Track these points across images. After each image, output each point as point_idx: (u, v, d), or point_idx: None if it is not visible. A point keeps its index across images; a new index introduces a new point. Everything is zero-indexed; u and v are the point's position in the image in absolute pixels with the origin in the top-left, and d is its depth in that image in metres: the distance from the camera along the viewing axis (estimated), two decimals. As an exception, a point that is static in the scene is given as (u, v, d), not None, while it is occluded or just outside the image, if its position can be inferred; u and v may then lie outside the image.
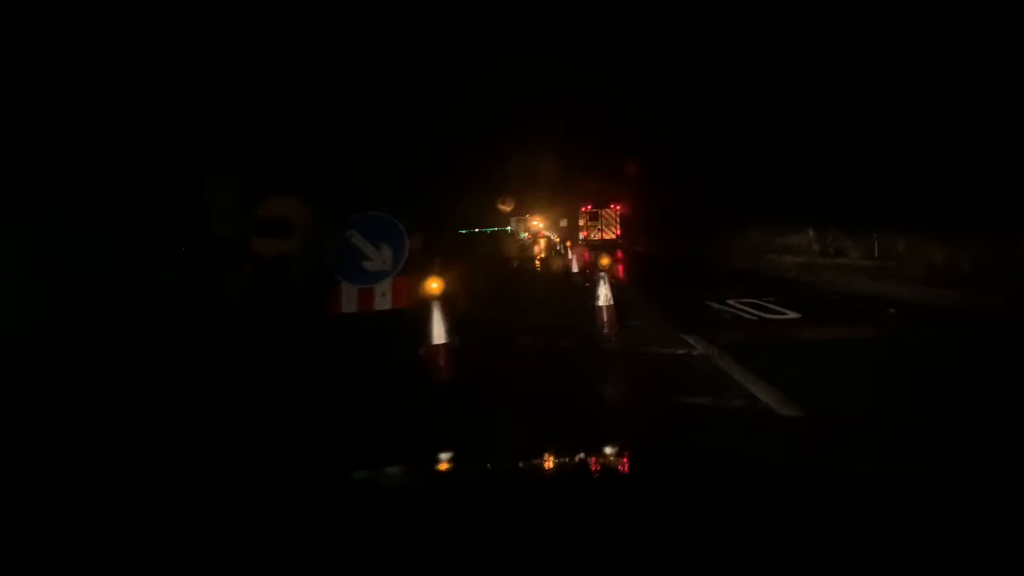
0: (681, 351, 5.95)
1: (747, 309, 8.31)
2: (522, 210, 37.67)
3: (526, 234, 32.88)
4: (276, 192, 8.36)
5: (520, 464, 1.64)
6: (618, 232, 29.52)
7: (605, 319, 6.55)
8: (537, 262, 23.14)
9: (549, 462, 1.64)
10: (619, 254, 24.81)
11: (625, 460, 1.60)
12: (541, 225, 35.22)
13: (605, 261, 7.07)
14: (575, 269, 15.24)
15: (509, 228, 35.48)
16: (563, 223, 33.92)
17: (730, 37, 20.72)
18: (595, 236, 29.13)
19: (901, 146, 15.19)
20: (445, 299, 5.21)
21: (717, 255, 18.98)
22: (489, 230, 34.20)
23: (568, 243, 24.49)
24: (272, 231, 8.26)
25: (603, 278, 6.68)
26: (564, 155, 33.44)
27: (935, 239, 12.98)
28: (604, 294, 6.60)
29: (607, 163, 31.69)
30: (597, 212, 29.51)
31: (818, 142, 18.30)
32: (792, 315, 7.75)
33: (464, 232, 31.86)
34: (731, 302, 8.93)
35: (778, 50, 19.10)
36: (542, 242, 28.92)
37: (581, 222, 30.20)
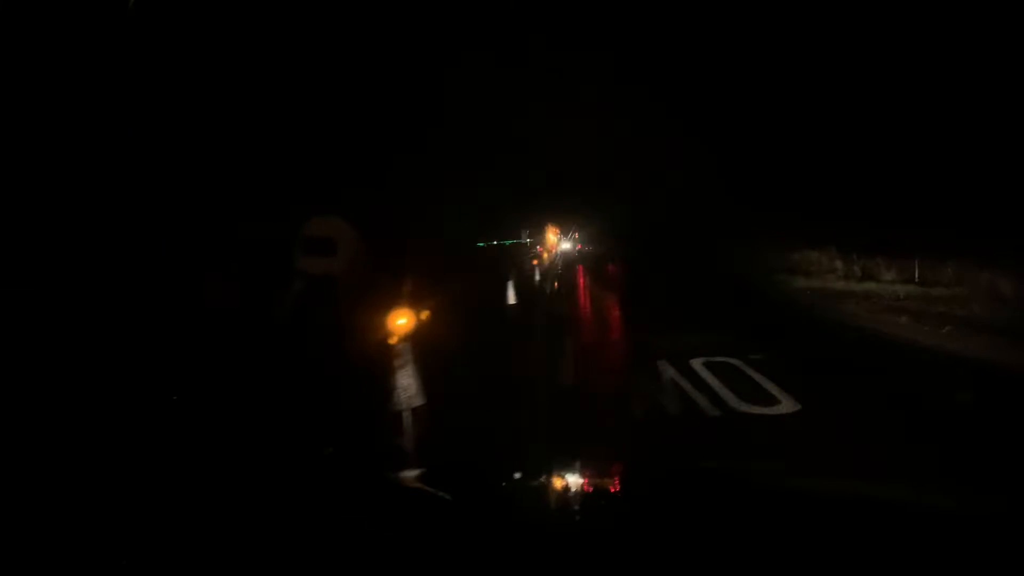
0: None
1: (713, 384, 4.99)
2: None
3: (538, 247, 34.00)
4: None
5: None
6: (579, 247, 32.61)
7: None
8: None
9: None
10: (609, 268, 22.18)
11: None
12: (555, 238, 36.98)
13: None
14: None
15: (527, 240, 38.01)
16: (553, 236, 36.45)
17: (747, 27, 19.39)
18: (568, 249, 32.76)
19: (954, 144, 12.01)
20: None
21: (716, 269, 15.59)
22: (509, 242, 36.78)
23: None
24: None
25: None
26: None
27: (1000, 263, 9.57)
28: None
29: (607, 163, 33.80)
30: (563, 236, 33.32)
31: (844, 139, 15.52)
32: (785, 408, 4.38)
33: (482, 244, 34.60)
34: (696, 364, 5.64)
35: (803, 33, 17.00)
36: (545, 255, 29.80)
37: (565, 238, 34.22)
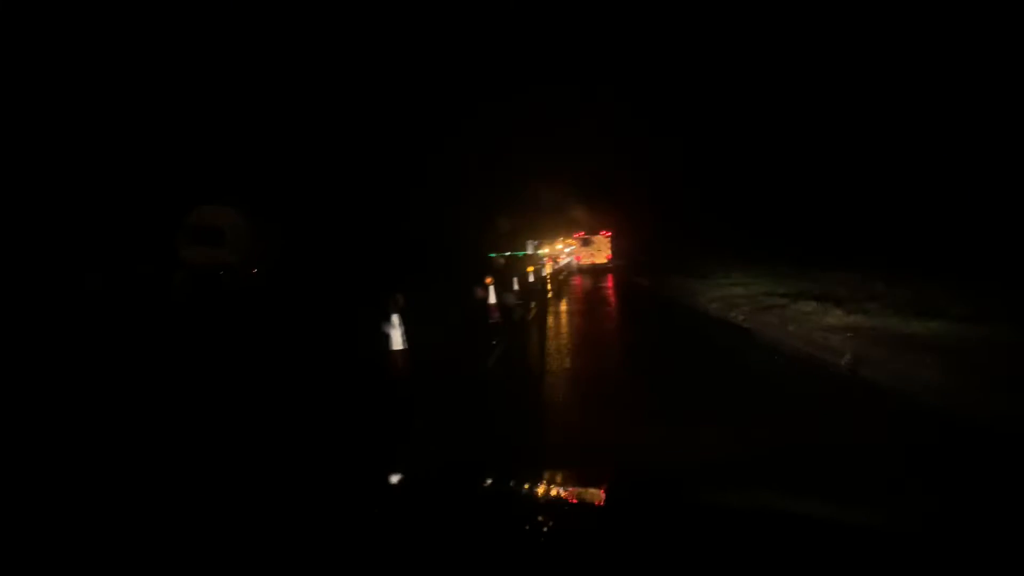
0: None
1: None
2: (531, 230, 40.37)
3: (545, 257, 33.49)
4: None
5: None
6: (608, 256, 29.38)
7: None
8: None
9: None
10: (609, 280, 21.91)
11: None
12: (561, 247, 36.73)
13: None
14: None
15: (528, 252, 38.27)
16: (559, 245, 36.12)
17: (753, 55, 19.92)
18: (587, 261, 29.52)
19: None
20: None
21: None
22: (521, 253, 38.21)
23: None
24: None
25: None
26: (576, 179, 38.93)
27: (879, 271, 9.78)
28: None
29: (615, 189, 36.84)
30: (589, 238, 29.86)
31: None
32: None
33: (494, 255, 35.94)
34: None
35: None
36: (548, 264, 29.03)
37: (574, 246, 31.38)
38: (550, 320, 11.01)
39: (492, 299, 10.40)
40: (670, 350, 7.20)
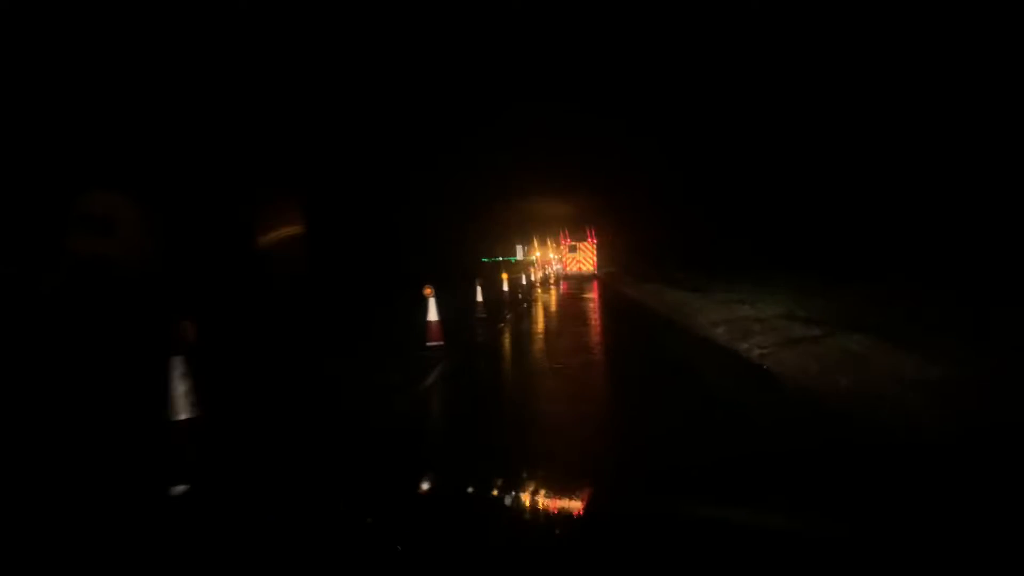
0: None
1: None
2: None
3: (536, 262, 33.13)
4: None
5: None
6: (595, 264, 29.12)
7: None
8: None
9: None
10: (594, 290, 19.75)
11: None
12: (552, 255, 35.76)
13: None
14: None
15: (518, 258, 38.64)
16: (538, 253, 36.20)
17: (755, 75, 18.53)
18: (573, 268, 29.36)
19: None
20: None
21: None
22: (514, 259, 37.63)
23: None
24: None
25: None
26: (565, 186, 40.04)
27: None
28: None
29: (608, 194, 36.20)
30: (575, 245, 29.69)
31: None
32: None
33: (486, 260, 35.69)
34: None
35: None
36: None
37: (561, 253, 31.21)
38: (505, 345, 8.65)
39: (432, 315, 7.94)
40: (665, 412, 4.59)
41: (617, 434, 4.10)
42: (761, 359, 6.24)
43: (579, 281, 25.52)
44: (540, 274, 26.33)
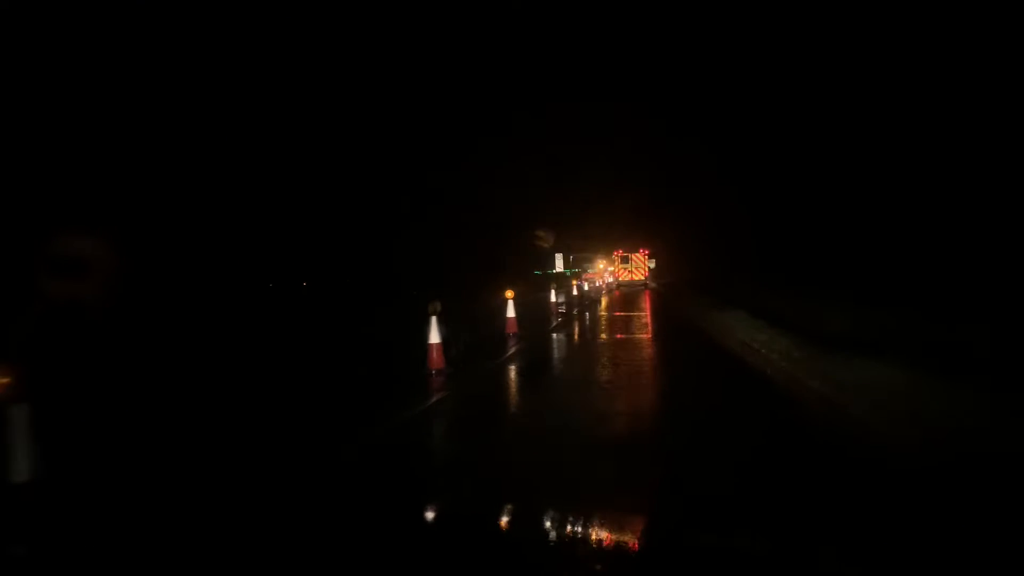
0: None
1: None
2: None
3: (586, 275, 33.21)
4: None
5: None
6: (645, 274, 30.99)
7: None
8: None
9: None
10: (647, 310, 17.88)
11: None
12: (603, 266, 36.00)
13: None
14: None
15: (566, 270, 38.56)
16: (601, 264, 36.85)
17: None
18: (625, 277, 31.05)
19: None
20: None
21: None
22: (569, 271, 37.94)
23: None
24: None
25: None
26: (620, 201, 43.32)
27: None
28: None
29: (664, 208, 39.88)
30: (628, 256, 31.26)
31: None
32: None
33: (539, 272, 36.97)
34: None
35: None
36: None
37: (614, 264, 32.62)
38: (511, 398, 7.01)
39: (435, 338, 7.16)
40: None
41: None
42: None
43: (630, 300, 23.05)
44: (588, 286, 25.71)
